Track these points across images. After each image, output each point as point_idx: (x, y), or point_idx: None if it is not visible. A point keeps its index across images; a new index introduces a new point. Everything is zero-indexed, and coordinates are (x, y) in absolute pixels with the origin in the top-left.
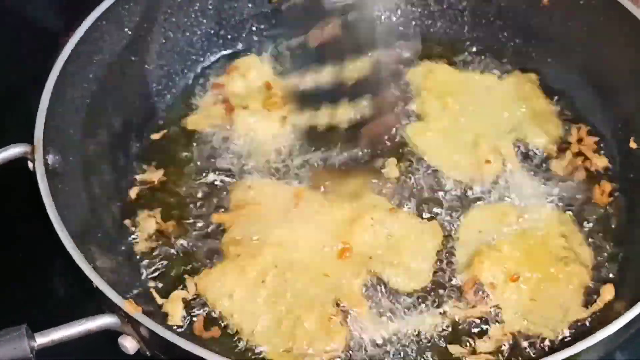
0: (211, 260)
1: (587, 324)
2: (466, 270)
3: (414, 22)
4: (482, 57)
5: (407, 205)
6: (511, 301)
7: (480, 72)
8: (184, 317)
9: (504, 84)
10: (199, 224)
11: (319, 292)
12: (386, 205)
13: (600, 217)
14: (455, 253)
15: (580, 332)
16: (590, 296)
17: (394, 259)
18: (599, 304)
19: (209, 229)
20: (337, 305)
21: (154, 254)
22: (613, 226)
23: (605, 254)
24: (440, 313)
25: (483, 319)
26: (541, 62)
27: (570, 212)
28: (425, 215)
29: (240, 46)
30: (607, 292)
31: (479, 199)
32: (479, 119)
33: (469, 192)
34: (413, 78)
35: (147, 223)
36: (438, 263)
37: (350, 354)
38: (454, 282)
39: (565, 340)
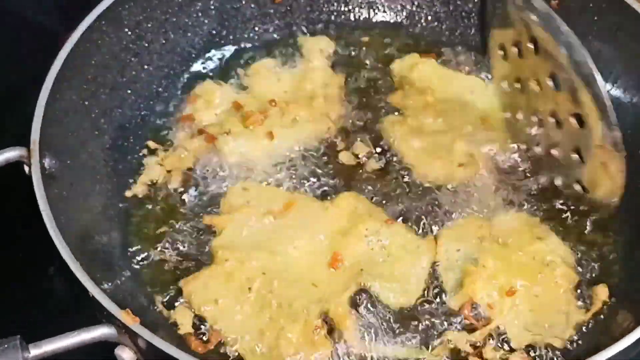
0: (200, 264)
1: (590, 325)
2: (459, 293)
3: (419, 24)
4: (474, 58)
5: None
6: (512, 317)
7: (467, 74)
8: (194, 324)
9: (490, 88)
10: (191, 227)
11: (306, 302)
12: (382, 216)
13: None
14: (440, 275)
15: (586, 337)
16: (583, 296)
17: (385, 272)
18: (597, 304)
19: (200, 231)
20: (323, 317)
21: (151, 257)
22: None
23: (583, 252)
24: (441, 342)
25: (489, 340)
26: None
27: (540, 216)
28: (411, 225)
29: (242, 47)
30: (602, 292)
31: (451, 206)
32: (458, 121)
33: (442, 198)
34: (398, 69)
35: (153, 170)
36: (429, 282)
37: None
38: (448, 307)
39: (575, 347)
